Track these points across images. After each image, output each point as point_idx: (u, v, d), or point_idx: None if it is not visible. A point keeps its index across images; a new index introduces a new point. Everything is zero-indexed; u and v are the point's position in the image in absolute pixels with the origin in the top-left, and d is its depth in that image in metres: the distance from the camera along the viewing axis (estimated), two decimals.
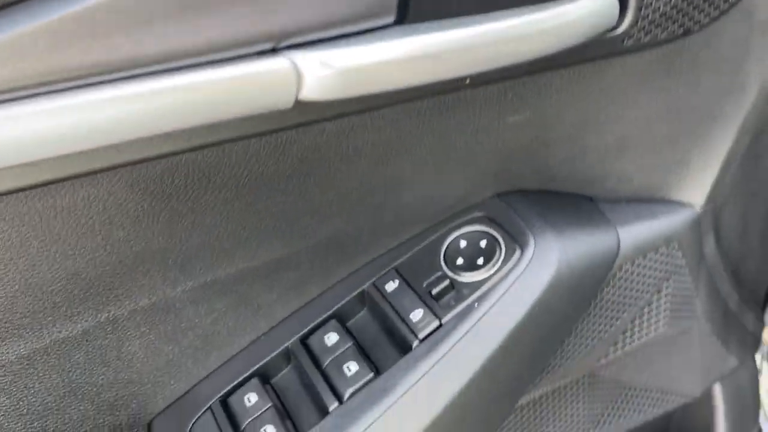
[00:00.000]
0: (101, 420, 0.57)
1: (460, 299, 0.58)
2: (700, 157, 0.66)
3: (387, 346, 0.59)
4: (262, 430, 0.56)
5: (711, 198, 0.69)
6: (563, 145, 0.61)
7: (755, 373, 1.09)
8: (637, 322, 0.69)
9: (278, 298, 0.60)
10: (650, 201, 0.68)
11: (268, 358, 0.60)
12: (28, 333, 0.48)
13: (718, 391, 0.91)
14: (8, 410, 0.51)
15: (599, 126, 0.61)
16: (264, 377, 0.60)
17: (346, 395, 0.55)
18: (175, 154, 0.44)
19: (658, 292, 0.68)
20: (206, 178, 0.47)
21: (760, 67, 0.63)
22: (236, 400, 0.58)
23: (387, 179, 0.56)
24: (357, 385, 0.56)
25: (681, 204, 0.68)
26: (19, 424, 0.53)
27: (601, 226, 0.63)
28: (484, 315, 0.56)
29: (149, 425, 0.60)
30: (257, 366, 0.60)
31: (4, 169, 0.36)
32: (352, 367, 0.57)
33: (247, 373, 0.59)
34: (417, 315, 0.57)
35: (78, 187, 0.43)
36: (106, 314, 0.51)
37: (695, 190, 0.68)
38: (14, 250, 0.44)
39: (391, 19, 0.42)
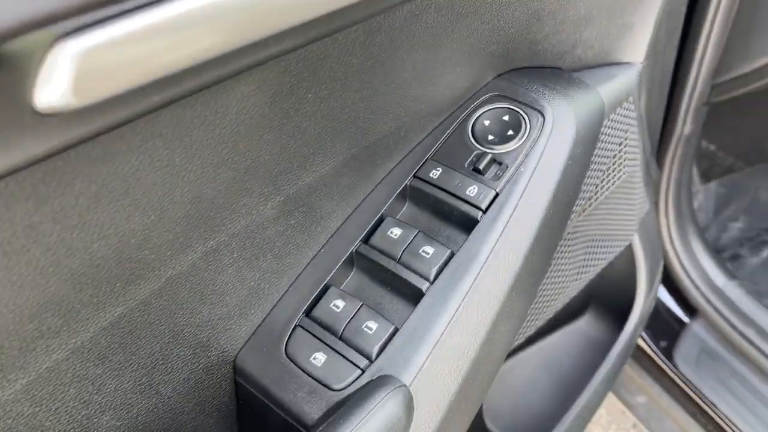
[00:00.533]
0: (196, 363, 0.54)
1: (505, 168, 0.62)
2: (640, 19, 0.76)
3: (450, 227, 0.62)
4: (364, 327, 0.57)
5: (647, 56, 0.80)
6: (549, 19, 0.67)
7: (656, 217, 1.29)
8: (608, 173, 0.80)
9: (336, 206, 0.60)
10: (606, 64, 0.77)
11: (338, 266, 0.60)
12: (149, 272, 0.45)
13: (635, 235, 1.06)
14: (121, 366, 0.47)
15: None
16: (338, 285, 0.61)
17: (433, 275, 0.58)
18: (295, 48, 0.43)
19: (623, 143, 0.79)
20: (312, 73, 0.46)
21: None
22: (323, 310, 0.58)
23: (420, 73, 0.58)
24: (440, 264, 0.59)
25: (628, 64, 0.78)
26: (130, 382, 0.49)
27: (587, 89, 0.71)
28: (531, 176, 0.62)
29: (234, 362, 0.58)
30: (330, 276, 0.60)
31: (154, 82, 0.34)
32: (428, 250, 0.59)
33: (322, 285, 0.59)
34: (473, 190, 0.61)
35: (214, 96, 0.41)
36: (213, 242, 0.48)
37: (637, 49, 0.78)
38: (162, 171, 0.40)
39: None
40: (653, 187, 1.08)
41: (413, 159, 0.64)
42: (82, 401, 0.46)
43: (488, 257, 0.59)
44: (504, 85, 0.67)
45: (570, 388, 1.16)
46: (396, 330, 0.56)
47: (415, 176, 0.63)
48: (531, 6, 0.64)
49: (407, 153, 0.64)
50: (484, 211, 0.60)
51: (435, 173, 0.63)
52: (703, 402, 1.31)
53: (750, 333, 1.30)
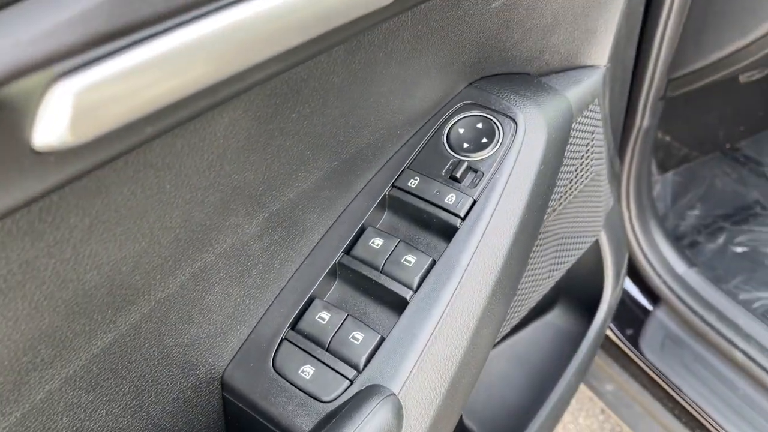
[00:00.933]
0: (185, 383, 0.54)
1: (481, 175, 0.64)
2: (603, 24, 0.79)
3: (430, 235, 0.63)
4: (350, 338, 0.58)
5: (610, 58, 0.82)
6: (518, 27, 0.69)
7: (620, 211, 1.33)
8: (577, 173, 0.82)
9: (317, 219, 0.61)
10: (572, 68, 0.79)
11: (321, 278, 0.61)
12: (139, 297, 0.45)
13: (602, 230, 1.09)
14: (112, 391, 0.47)
15: (541, 6, 0.69)
16: (322, 296, 0.61)
17: (416, 283, 0.59)
18: (281, 72, 0.43)
19: (589, 144, 0.81)
20: (295, 94, 0.47)
21: None
22: (308, 322, 0.59)
23: (397, 85, 0.59)
24: (422, 272, 0.60)
25: (593, 67, 0.81)
26: (121, 406, 0.49)
27: (555, 94, 0.73)
28: (507, 182, 0.63)
29: (222, 378, 0.58)
30: (314, 288, 0.60)
31: (147, 116, 0.34)
32: (410, 259, 0.60)
33: (307, 297, 0.60)
34: (451, 198, 0.62)
35: (202, 123, 0.41)
36: (200, 263, 0.49)
37: (601, 53, 0.81)
38: (153, 199, 0.40)
39: None
40: (616, 181, 1.11)
41: (391, 169, 0.65)
42: (74, 429, 0.45)
43: (469, 263, 0.60)
44: (476, 94, 0.69)
45: (543, 380, 1.18)
46: (382, 339, 0.57)
47: (393, 186, 0.64)
48: (501, 16, 0.65)
49: (385, 163, 0.65)
50: (463, 219, 0.62)
51: (413, 182, 0.64)
52: (669, 387, 1.35)
53: (711, 318, 1.35)
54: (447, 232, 0.62)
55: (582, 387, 1.54)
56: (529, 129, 0.66)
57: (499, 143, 0.65)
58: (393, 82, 0.58)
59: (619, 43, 0.86)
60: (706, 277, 1.41)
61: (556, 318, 1.27)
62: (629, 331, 1.44)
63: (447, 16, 0.59)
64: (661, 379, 1.36)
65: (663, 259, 1.45)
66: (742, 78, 1.61)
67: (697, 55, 1.25)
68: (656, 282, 1.42)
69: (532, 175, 0.65)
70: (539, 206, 0.68)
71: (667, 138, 1.79)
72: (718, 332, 1.33)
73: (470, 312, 0.60)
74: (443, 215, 0.62)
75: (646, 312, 1.44)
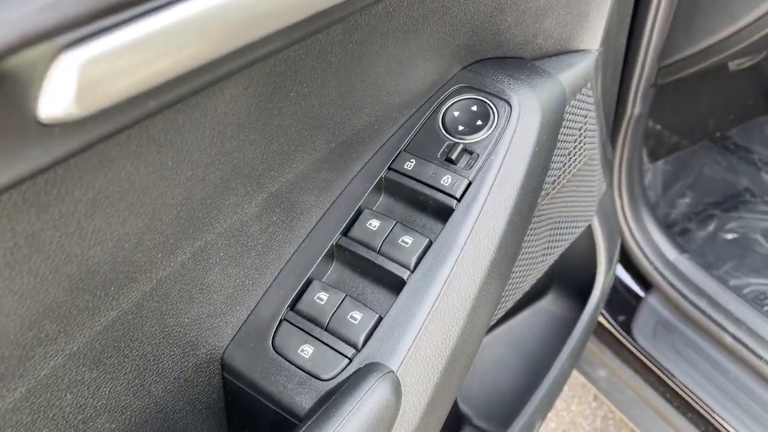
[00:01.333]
0: (185, 362, 0.55)
1: (476, 157, 0.65)
2: (595, 9, 0.79)
3: (426, 216, 0.64)
4: (349, 317, 0.58)
5: (602, 42, 0.83)
6: (512, 11, 0.70)
7: (613, 198, 1.34)
8: (570, 156, 0.83)
9: (315, 201, 0.61)
10: (565, 52, 0.80)
11: (320, 259, 0.61)
12: (141, 274, 0.45)
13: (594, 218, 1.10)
14: (115, 369, 0.48)
15: None
16: (320, 278, 0.62)
17: (413, 263, 0.60)
18: (281, 50, 0.44)
19: (582, 127, 0.82)
20: (294, 73, 0.47)
21: None
22: (307, 303, 0.60)
23: (392, 67, 0.59)
24: (419, 252, 0.60)
25: (585, 51, 0.82)
26: (123, 384, 0.49)
27: (549, 77, 0.74)
28: (502, 164, 0.64)
29: (222, 359, 0.58)
30: (312, 269, 0.61)
31: (150, 89, 0.35)
32: (407, 240, 0.61)
33: (305, 279, 0.61)
34: (447, 180, 0.63)
35: (203, 99, 0.41)
36: (200, 242, 0.49)
37: (593, 37, 0.81)
38: (155, 175, 0.41)
39: None
40: (609, 167, 1.12)
41: (387, 152, 0.66)
42: (78, 406, 0.46)
43: (465, 243, 0.61)
44: (471, 77, 0.69)
45: (537, 366, 1.20)
46: (380, 318, 0.58)
47: (390, 168, 0.65)
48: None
49: (381, 146, 0.66)
50: (459, 200, 0.62)
51: (409, 165, 0.65)
52: (661, 372, 1.37)
53: (702, 303, 1.36)
54: (443, 213, 0.63)
55: (575, 374, 1.55)
56: (524, 111, 0.67)
57: (494, 125, 0.66)
58: (389, 63, 0.59)
59: (611, 29, 0.87)
60: (697, 263, 1.43)
61: (549, 304, 1.28)
62: (621, 318, 1.45)
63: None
64: (653, 364, 1.38)
65: (654, 245, 1.46)
66: (732, 66, 1.63)
67: (688, 42, 1.26)
68: (648, 268, 1.43)
69: (527, 156, 0.66)
70: (534, 188, 0.69)
71: (658, 127, 1.80)
72: (709, 317, 1.34)
73: (466, 291, 0.60)
74: (439, 196, 0.63)
75: (638, 298, 1.45)
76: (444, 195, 0.63)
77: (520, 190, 0.65)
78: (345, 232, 0.63)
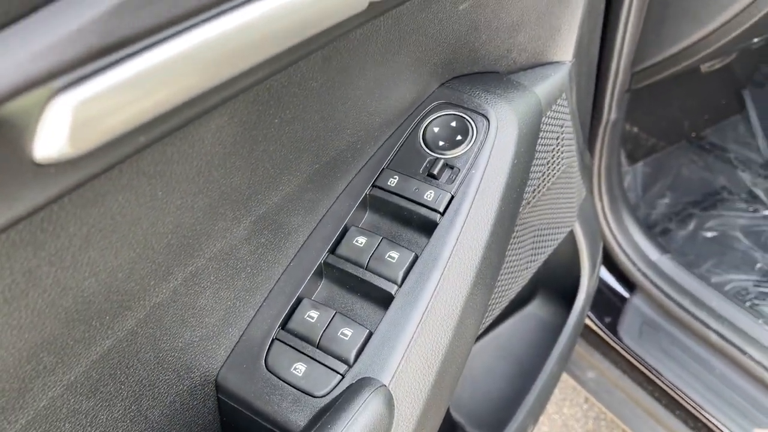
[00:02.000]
0: (180, 386, 0.56)
1: (457, 171, 0.66)
2: (567, 22, 0.82)
3: (411, 231, 0.65)
4: (339, 334, 0.59)
5: (574, 54, 0.85)
6: (486, 28, 0.72)
7: (593, 202, 1.36)
8: (549, 166, 0.85)
9: (302, 221, 0.63)
10: (539, 65, 0.82)
11: (308, 278, 0.63)
12: (135, 302, 0.46)
13: (576, 224, 1.13)
14: (112, 396, 0.49)
15: (507, 7, 0.72)
16: (309, 296, 0.63)
17: (400, 278, 0.62)
18: (262, 80, 0.45)
19: (560, 137, 0.84)
20: (277, 100, 0.49)
21: None
22: (298, 322, 0.61)
23: (372, 88, 0.61)
24: (405, 267, 0.62)
25: (559, 63, 0.84)
26: (120, 411, 0.50)
27: (524, 90, 0.76)
28: (483, 177, 0.66)
29: (216, 380, 0.59)
30: (301, 288, 0.62)
31: (142, 124, 0.36)
32: (394, 255, 0.63)
33: (295, 298, 0.62)
34: (430, 195, 0.65)
35: (191, 131, 0.43)
36: (191, 267, 0.50)
37: (566, 49, 0.84)
38: (146, 206, 0.42)
39: None
40: (588, 173, 1.14)
41: (370, 170, 0.67)
42: None
43: (450, 256, 0.62)
44: (449, 93, 0.71)
45: (527, 371, 1.21)
46: (371, 334, 0.59)
47: (374, 185, 0.66)
48: (469, 17, 0.68)
49: (364, 164, 0.67)
50: (442, 214, 0.64)
51: (393, 181, 0.66)
52: (649, 371, 1.39)
53: (685, 302, 1.39)
54: (427, 228, 0.64)
55: (565, 377, 1.57)
56: (501, 124, 0.69)
57: (473, 140, 0.68)
58: (369, 84, 0.60)
59: (583, 40, 0.90)
60: (678, 262, 1.45)
61: (536, 309, 1.30)
62: (608, 319, 1.47)
63: (417, 19, 0.62)
64: (641, 363, 1.40)
65: (637, 247, 1.48)
66: (704, 68, 1.66)
67: (658, 48, 1.29)
68: (631, 270, 1.45)
69: (506, 168, 0.68)
70: (514, 198, 0.71)
71: (635, 129, 1.83)
72: (693, 315, 1.36)
73: (454, 303, 0.62)
74: (423, 211, 0.64)
75: (623, 299, 1.48)
76: (427, 209, 0.64)
77: (501, 201, 0.67)
78: (332, 250, 0.64)
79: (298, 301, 0.62)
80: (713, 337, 1.35)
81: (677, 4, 1.22)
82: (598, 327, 1.48)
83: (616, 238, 1.49)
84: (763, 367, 1.29)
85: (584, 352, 1.54)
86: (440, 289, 0.61)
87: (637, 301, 1.48)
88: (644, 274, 1.45)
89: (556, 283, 1.26)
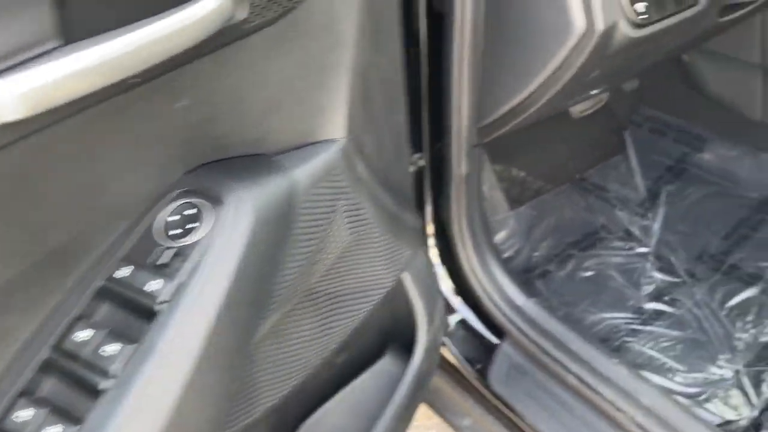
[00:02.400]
0: None
1: (185, 260, 0.69)
2: (330, 102, 0.86)
3: (136, 321, 0.68)
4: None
5: (349, 131, 0.89)
6: (226, 118, 0.75)
7: (429, 257, 1.39)
8: (328, 239, 0.88)
9: (19, 319, 0.65)
10: (310, 143, 0.86)
11: (31, 375, 0.65)
12: None
13: (407, 277, 1.16)
14: None
15: (250, 94, 0.76)
16: (30, 393, 0.65)
17: (116, 370, 0.64)
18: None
19: (333, 212, 0.87)
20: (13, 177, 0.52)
21: (348, 23, 0.83)
22: (8, 424, 0.63)
23: (95, 180, 0.64)
24: (123, 359, 0.64)
25: (331, 141, 0.88)
26: None
27: (279, 172, 0.79)
28: (210, 265, 0.69)
29: None
30: (20, 387, 0.64)
31: None
32: (116, 348, 0.65)
33: (9, 397, 0.64)
34: (159, 284, 0.68)
35: None
36: None
37: (336, 127, 0.88)
38: None
39: (59, 42, 0.51)
40: (414, 232, 1.17)
41: (104, 261, 0.70)
42: None
43: (168, 345, 0.65)
44: (190, 181, 0.75)
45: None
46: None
47: (106, 278, 0.69)
48: (198, 111, 0.71)
49: (99, 256, 0.70)
50: (161, 303, 0.67)
51: (124, 272, 0.69)
52: (514, 415, 1.41)
53: (547, 345, 1.42)
54: (152, 317, 0.67)
55: (444, 425, 1.59)
56: (235, 211, 0.72)
57: (203, 227, 0.71)
58: (96, 178, 0.63)
59: (370, 114, 0.93)
60: (542, 306, 1.48)
61: (387, 365, 1.31)
62: (479, 366, 1.50)
63: (144, 111, 0.65)
64: (508, 408, 1.42)
65: (503, 293, 1.51)
66: (575, 114, 1.72)
67: (496, 106, 1.35)
68: (499, 317, 1.48)
69: (237, 256, 0.71)
70: (258, 280, 0.74)
71: (522, 174, 1.88)
72: (554, 358, 1.39)
73: (168, 391, 0.64)
74: (147, 302, 0.67)
75: (493, 346, 1.50)
76: (151, 300, 0.67)
77: (232, 286, 0.70)
78: (56, 345, 0.66)
79: (16, 400, 0.64)
80: (572, 379, 1.37)
81: (504, 64, 1.28)
82: (470, 374, 1.50)
83: (483, 286, 1.52)
84: (615, 406, 1.32)
85: (460, 399, 1.56)
86: (151, 380, 0.63)
87: (506, 347, 1.50)
88: (510, 320, 1.48)
89: (401, 337, 1.28)
